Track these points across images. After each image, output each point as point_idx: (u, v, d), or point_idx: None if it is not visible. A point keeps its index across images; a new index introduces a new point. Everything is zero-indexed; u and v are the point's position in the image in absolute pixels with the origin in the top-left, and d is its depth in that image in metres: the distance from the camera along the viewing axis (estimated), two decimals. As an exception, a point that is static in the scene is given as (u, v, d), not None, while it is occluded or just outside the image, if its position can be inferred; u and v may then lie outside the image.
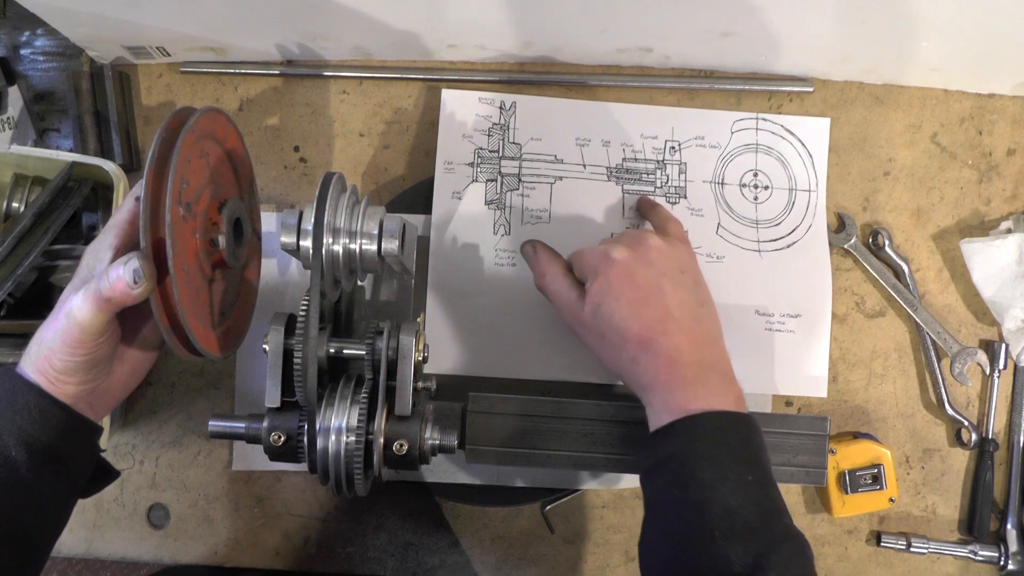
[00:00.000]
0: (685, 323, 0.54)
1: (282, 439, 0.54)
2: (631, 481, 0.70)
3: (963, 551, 0.70)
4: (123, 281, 0.45)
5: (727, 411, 0.51)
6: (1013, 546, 0.70)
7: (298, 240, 0.53)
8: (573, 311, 0.58)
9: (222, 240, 0.53)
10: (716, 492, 0.47)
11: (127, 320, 0.51)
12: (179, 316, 0.48)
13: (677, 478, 0.49)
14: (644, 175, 0.71)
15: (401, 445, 0.55)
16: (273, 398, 0.55)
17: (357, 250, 0.55)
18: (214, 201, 0.53)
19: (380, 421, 0.54)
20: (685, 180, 0.71)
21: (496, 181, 0.70)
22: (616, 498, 0.70)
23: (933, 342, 0.71)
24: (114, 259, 0.47)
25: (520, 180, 0.71)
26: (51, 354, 0.47)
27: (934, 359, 0.71)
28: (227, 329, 0.57)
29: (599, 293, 0.56)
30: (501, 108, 0.71)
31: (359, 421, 0.53)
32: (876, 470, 0.67)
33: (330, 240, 0.53)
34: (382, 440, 0.55)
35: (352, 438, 0.53)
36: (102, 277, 0.46)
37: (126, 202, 0.51)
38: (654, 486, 0.52)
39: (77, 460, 0.51)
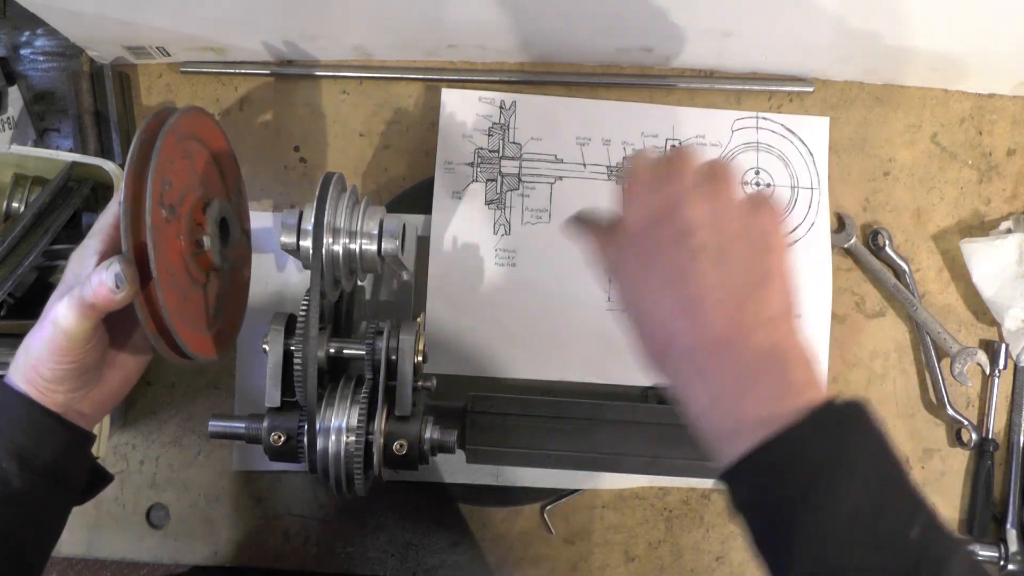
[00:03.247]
0: (721, 307, 0.39)
1: (282, 439, 0.54)
2: (631, 481, 0.70)
3: (963, 551, 0.70)
4: (105, 286, 0.44)
5: (795, 424, 0.37)
6: (1013, 546, 0.70)
7: (298, 240, 0.53)
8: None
9: (207, 241, 0.52)
10: (805, 541, 0.37)
11: (115, 326, 0.50)
12: (165, 320, 0.47)
13: (764, 528, 0.39)
14: (644, 175, 0.71)
15: (401, 445, 0.55)
16: (273, 398, 0.55)
17: (357, 250, 0.55)
18: (199, 202, 0.53)
19: (380, 421, 0.54)
20: (685, 180, 0.71)
21: (496, 181, 0.70)
22: (616, 498, 0.70)
23: (933, 342, 0.71)
24: (99, 264, 0.46)
25: (520, 180, 0.71)
26: (38, 363, 0.46)
27: (934, 359, 0.71)
28: (218, 331, 0.56)
29: (621, 285, 0.44)
30: (501, 108, 0.71)
31: (359, 421, 0.53)
32: (876, 470, 0.67)
33: (330, 240, 0.53)
34: (382, 440, 0.55)
35: (352, 438, 0.53)
36: (85, 283, 0.45)
37: (111, 206, 0.50)
38: (750, 527, 0.40)
39: (70, 469, 0.50)
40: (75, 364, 0.47)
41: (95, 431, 0.52)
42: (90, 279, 0.45)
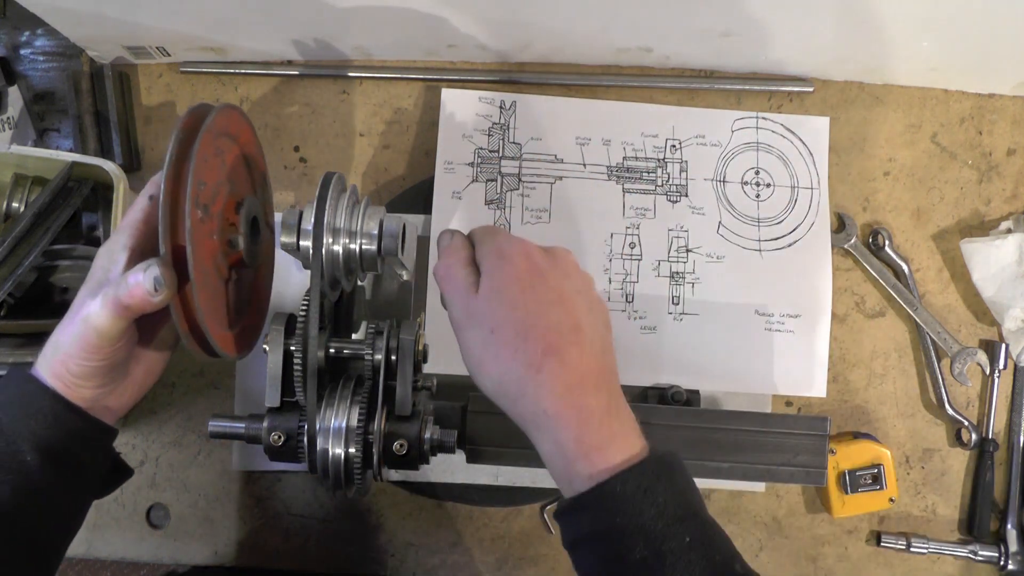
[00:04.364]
0: (595, 346, 0.45)
1: (282, 439, 0.54)
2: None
3: (963, 551, 0.70)
4: (142, 288, 0.44)
5: (643, 460, 0.43)
6: (1013, 546, 0.70)
7: (298, 240, 0.53)
8: (465, 296, 0.47)
9: (241, 241, 0.52)
10: (653, 572, 0.41)
11: (144, 322, 0.50)
12: (198, 320, 0.47)
13: (605, 560, 0.42)
14: (645, 173, 0.71)
15: (401, 445, 0.54)
16: (273, 398, 0.55)
17: (357, 250, 0.55)
18: (230, 200, 0.52)
19: (380, 421, 0.54)
20: (686, 178, 0.71)
21: (496, 181, 0.70)
22: (616, 498, 0.70)
23: (933, 342, 0.71)
24: (129, 260, 0.46)
25: (520, 180, 0.71)
26: (67, 358, 0.46)
27: (934, 359, 0.71)
28: (243, 328, 0.56)
29: (504, 278, 0.46)
30: (501, 108, 0.71)
31: (359, 421, 0.53)
32: (876, 470, 0.67)
33: (330, 240, 0.53)
34: (382, 440, 0.55)
35: (352, 438, 0.53)
36: (120, 284, 0.45)
37: (139, 201, 0.50)
38: (581, 562, 0.45)
39: (92, 463, 0.51)
40: (105, 361, 0.47)
41: (116, 426, 0.52)
42: (126, 279, 0.45)
